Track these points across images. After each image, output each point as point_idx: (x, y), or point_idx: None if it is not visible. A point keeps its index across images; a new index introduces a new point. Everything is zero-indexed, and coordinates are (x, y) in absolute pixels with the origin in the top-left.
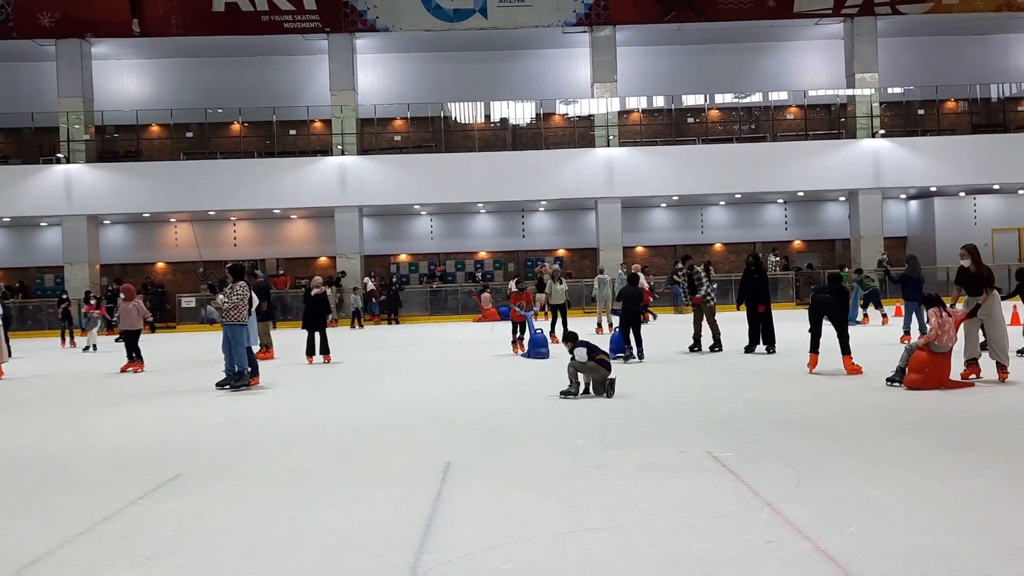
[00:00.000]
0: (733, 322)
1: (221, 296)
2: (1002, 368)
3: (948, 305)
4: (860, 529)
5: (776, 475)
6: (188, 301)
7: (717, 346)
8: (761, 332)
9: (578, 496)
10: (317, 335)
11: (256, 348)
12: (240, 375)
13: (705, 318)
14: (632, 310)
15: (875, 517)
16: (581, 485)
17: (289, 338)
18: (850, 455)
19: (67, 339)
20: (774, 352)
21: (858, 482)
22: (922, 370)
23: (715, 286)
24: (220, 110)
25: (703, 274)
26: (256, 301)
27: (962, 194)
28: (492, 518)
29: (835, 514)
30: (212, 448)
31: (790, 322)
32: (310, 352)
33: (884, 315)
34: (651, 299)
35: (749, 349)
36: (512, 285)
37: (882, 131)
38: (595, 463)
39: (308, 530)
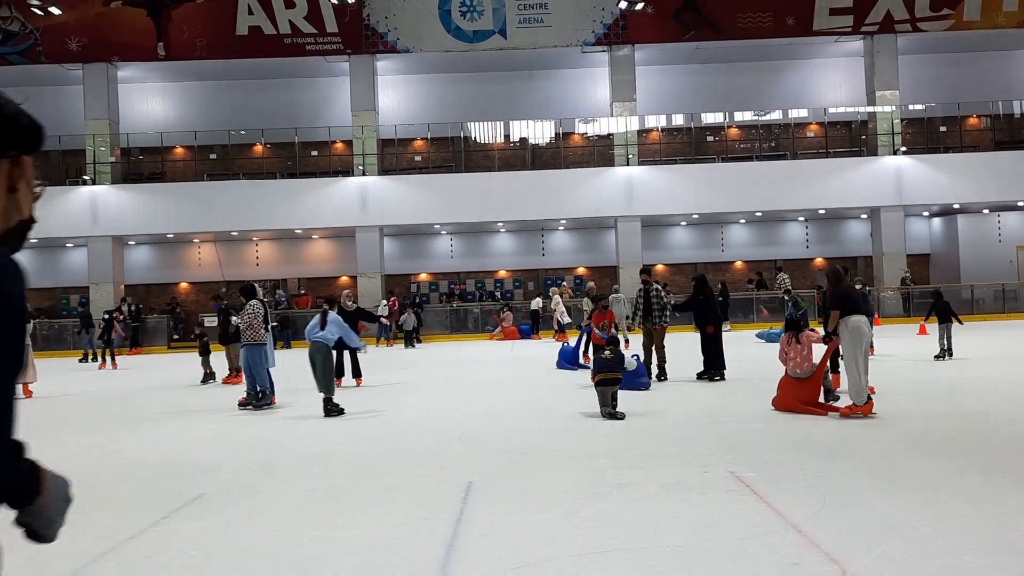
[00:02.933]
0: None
1: (235, 318)
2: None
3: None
4: (887, 551)
5: (800, 496)
6: (211, 321)
7: (661, 374)
8: (708, 356)
9: (601, 517)
10: (347, 354)
11: (273, 368)
12: (263, 395)
13: (653, 342)
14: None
15: (902, 539)
16: (603, 506)
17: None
18: (875, 476)
19: (106, 359)
20: (722, 379)
21: (884, 504)
22: (776, 391)
23: (668, 310)
24: (243, 132)
25: (664, 294)
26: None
27: (986, 211)
28: (514, 538)
29: (861, 536)
30: (235, 468)
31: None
32: (339, 374)
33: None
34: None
35: (702, 375)
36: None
37: (904, 148)
38: (617, 483)
39: (331, 550)
